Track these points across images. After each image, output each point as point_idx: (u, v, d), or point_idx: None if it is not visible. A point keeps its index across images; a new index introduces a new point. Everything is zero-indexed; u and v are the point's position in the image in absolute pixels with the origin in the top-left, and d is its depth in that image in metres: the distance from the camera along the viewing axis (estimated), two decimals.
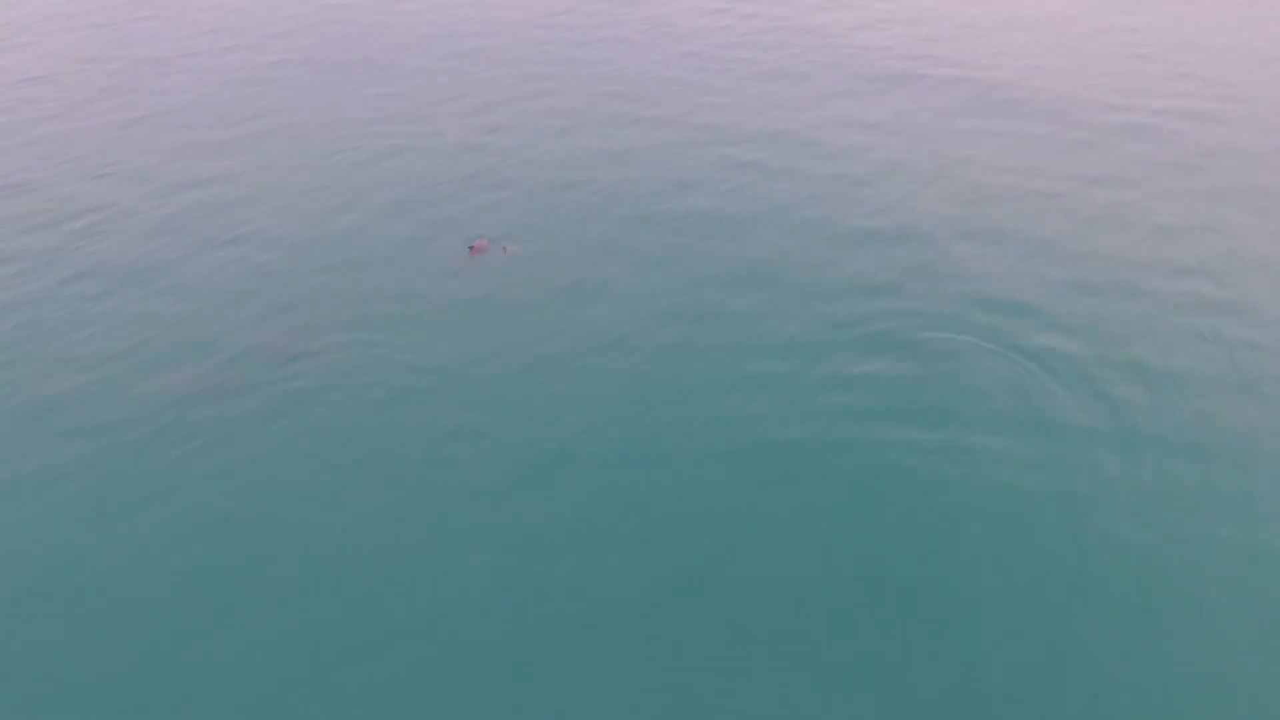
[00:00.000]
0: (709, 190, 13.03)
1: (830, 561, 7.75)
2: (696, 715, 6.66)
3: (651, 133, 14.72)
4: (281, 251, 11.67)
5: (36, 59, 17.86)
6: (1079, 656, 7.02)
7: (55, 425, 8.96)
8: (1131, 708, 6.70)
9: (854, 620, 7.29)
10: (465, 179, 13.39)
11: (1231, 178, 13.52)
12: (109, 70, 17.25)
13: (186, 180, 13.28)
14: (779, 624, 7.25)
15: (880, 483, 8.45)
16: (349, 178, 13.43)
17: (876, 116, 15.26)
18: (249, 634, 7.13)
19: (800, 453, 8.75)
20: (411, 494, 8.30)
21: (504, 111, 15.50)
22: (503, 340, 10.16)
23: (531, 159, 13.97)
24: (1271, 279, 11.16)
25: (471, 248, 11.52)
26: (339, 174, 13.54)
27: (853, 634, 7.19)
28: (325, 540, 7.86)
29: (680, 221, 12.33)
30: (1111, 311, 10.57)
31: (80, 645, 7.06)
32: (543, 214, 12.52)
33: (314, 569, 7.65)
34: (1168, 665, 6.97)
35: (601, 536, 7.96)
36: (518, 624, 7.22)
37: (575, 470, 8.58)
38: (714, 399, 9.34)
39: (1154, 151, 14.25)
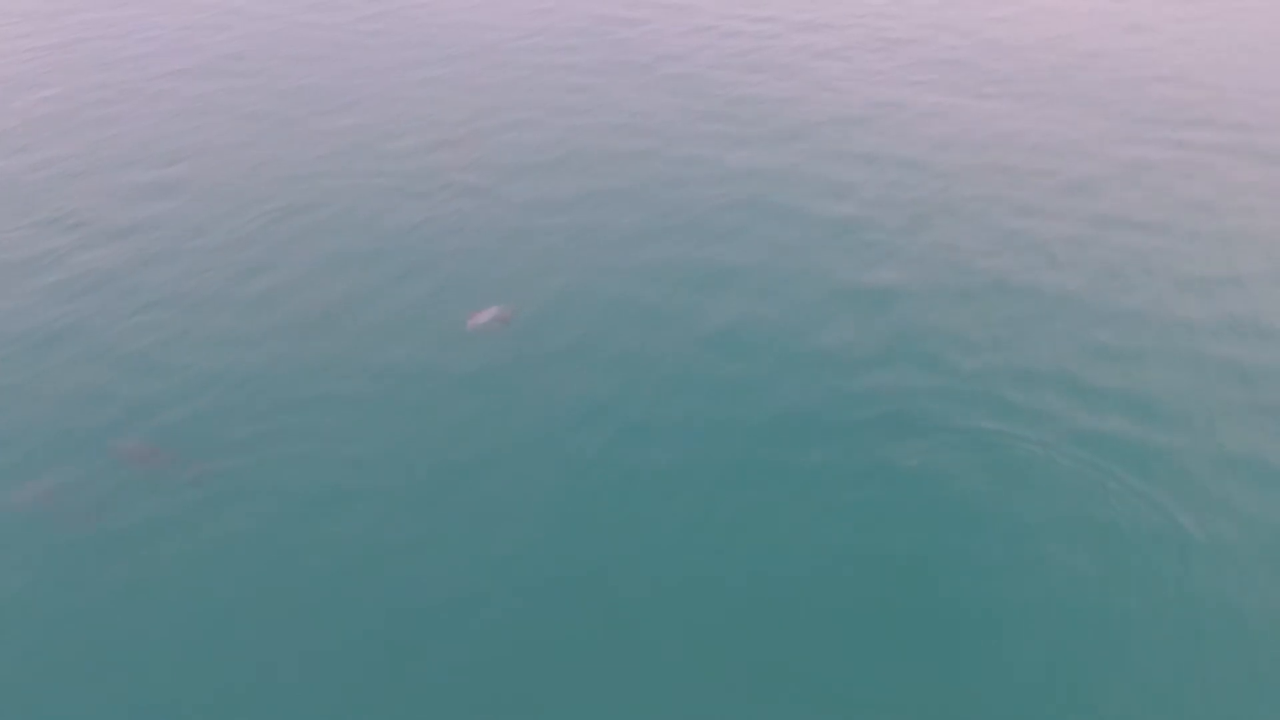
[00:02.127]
0: (692, 238, 11.61)
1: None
2: None
3: (638, 169, 13.29)
4: (197, 321, 9.99)
5: None
6: None
7: None
8: None
9: None
10: (427, 227, 11.84)
11: (1265, 215, 12.23)
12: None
13: (95, 232, 11.63)
14: None
15: (899, 610, 6.96)
16: (287, 230, 11.77)
17: (871, 149, 13.91)
18: None
19: (798, 571, 7.25)
20: (329, 637, 6.74)
21: (471, 148, 13.96)
22: (456, 429, 8.63)
23: (499, 202, 12.45)
24: None
25: (477, 315, 9.89)
26: (276, 225, 11.84)
27: None
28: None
29: (665, 274, 10.85)
30: (1156, 382, 9.18)
31: None
32: (514, 269, 10.98)
33: None
34: None
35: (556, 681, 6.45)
36: None
37: (528, 597, 7.07)
38: (696, 504, 7.85)
39: (1176, 187, 12.99)
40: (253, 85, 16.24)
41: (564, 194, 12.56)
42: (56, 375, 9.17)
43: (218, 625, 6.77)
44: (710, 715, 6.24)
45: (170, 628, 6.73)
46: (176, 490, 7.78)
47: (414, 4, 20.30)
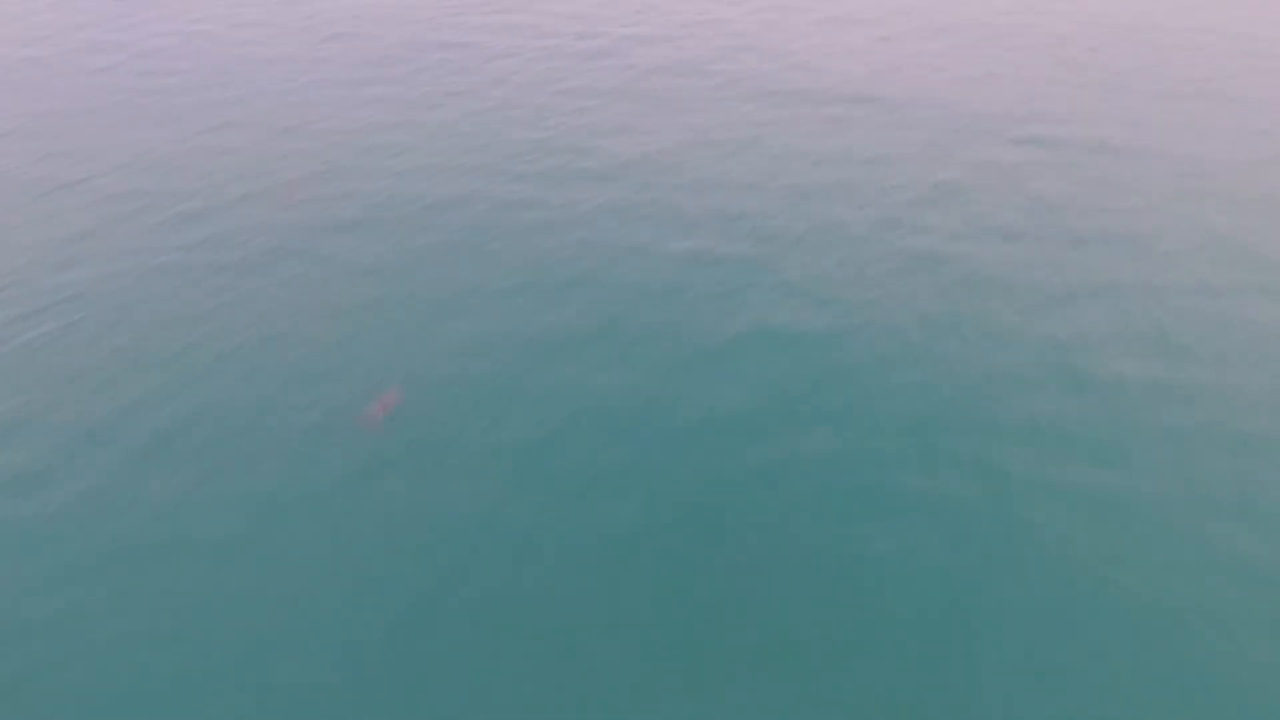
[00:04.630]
0: (539, 297, 10.38)
1: None
2: None
3: (466, 218, 11.94)
4: None
5: None
6: None
7: None
8: None
9: None
10: (233, 308, 10.03)
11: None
12: None
13: None
14: None
15: None
16: (37, 345, 9.64)
17: (711, 175, 13.19)
18: None
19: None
20: None
21: (282, 204, 12.21)
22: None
23: (322, 265, 10.84)
24: None
25: (377, 402, 8.38)
26: (24, 340, 9.69)
27: None
28: None
29: (520, 341, 9.61)
30: (1051, 407, 8.75)
31: None
32: (354, 350, 9.39)
33: None
34: None
35: None
36: None
37: None
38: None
39: (1031, 189, 12.89)
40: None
41: (396, 254, 11.05)
42: None
43: None
44: None
45: None
46: None
47: (190, 39, 18.09)
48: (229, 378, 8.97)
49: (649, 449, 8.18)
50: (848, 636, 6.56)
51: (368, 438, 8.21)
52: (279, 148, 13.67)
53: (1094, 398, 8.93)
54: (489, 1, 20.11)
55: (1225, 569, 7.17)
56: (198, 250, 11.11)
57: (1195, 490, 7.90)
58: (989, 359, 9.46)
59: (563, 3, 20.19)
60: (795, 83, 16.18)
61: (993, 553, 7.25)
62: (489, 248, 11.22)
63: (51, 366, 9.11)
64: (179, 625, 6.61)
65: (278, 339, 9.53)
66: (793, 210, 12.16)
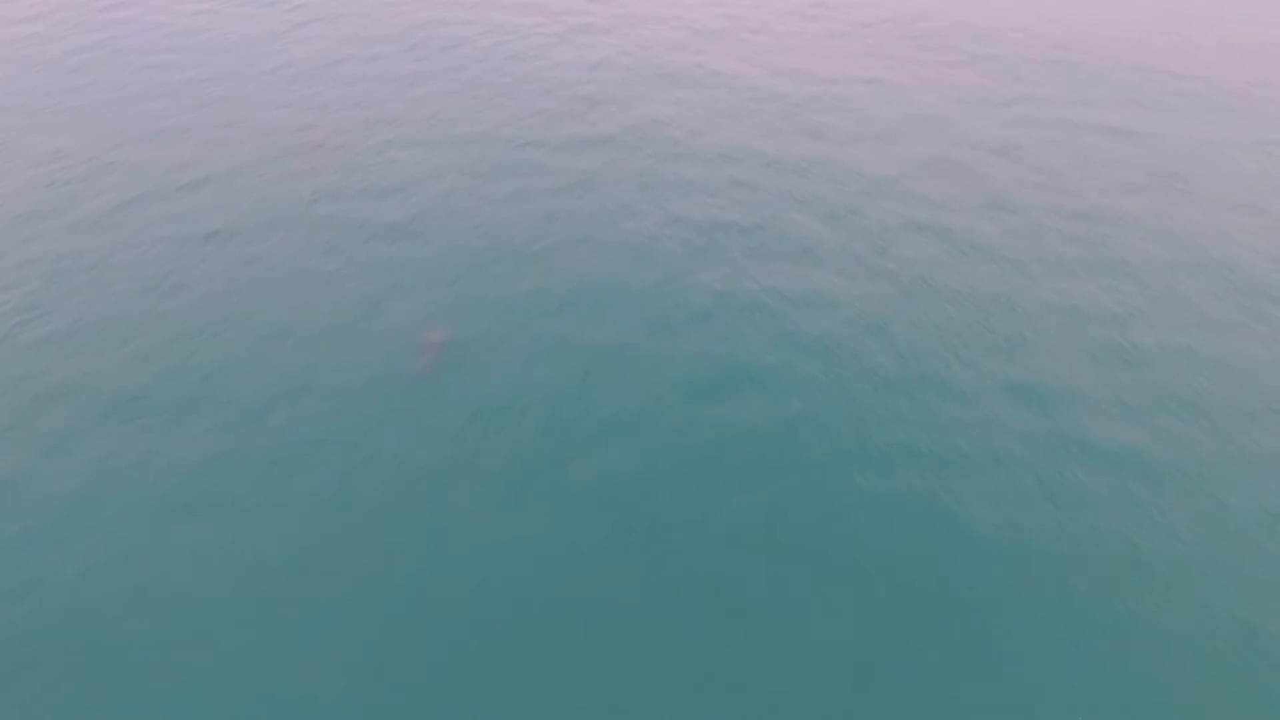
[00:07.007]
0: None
1: None
2: None
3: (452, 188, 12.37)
4: None
5: None
6: None
7: None
8: None
9: None
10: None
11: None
12: None
13: None
14: None
15: None
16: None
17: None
18: None
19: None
20: None
21: (317, 159, 12.48)
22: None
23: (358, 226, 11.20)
24: None
25: (425, 347, 8.89)
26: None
27: None
28: None
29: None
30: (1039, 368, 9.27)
31: None
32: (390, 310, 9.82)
33: None
34: None
35: None
36: None
37: None
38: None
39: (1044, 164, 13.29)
40: None
41: (393, 221, 11.51)
42: None
43: None
44: None
45: None
46: None
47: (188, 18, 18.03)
48: (271, 346, 9.42)
49: (643, 407, 8.67)
50: (848, 622, 6.85)
51: (423, 384, 8.61)
52: (274, 121, 13.83)
53: (1108, 368, 9.20)
54: None
55: (1243, 537, 7.44)
56: (203, 220, 11.39)
57: (1214, 460, 8.06)
58: (993, 325, 9.80)
59: None
60: (783, 65, 16.46)
61: (1001, 522, 7.45)
62: (481, 215, 11.64)
63: (84, 338, 9.48)
64: (249, 588, 7.13)
65: (290, 305, 9.96)
66: (783, 182, 12.50)
